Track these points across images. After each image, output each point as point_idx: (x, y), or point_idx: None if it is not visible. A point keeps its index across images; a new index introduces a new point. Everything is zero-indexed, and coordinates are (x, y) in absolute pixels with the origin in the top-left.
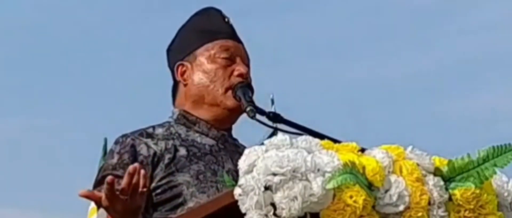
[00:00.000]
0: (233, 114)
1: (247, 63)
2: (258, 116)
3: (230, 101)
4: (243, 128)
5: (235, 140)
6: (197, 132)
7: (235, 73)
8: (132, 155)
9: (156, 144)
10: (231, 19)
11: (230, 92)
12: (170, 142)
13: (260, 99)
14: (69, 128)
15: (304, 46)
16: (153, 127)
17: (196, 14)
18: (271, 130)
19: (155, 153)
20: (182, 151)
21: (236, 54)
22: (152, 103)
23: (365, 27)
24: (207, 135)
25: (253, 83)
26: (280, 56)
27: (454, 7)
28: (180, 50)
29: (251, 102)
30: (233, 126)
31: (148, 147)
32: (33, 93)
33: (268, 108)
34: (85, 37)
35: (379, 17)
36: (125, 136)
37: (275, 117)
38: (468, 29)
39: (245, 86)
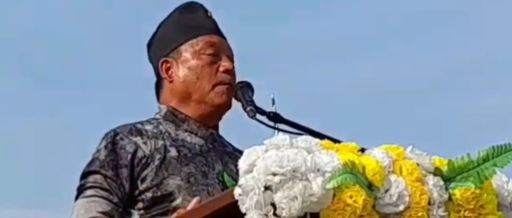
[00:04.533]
0: (220, 110)
1: (232, 58)
2: (258, 116)
3: (217, 98)
4: (243, 128)
5: (221, 137)
6: (186, 130)
7: (221, 69)
8: (119, 156)
9: (145, 143)
10: (213, 14)
11: (217, 88)
12: (160, 142)
13: (263, 100)
14: (70, 126)
15: (306, 46)
16: (142, 123)
17: (178, 8)
18: (274, 132)
19: (144, 155)
20: (173, 152)
21: (221, 49)
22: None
23: (371, 28)
24: (196, 134)
25: (253, 82)
26: (284, 57)
27: (458, 9)
28: (163, 45)
29: (251, 102)
30: (222, 125)
31: (137, 146)
32: (32, 94)
33: (268, 108)
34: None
35: (382, 18)
36: (115, 133)
37: (275, 117)
38: (475, 30)
39: (245, 86)
